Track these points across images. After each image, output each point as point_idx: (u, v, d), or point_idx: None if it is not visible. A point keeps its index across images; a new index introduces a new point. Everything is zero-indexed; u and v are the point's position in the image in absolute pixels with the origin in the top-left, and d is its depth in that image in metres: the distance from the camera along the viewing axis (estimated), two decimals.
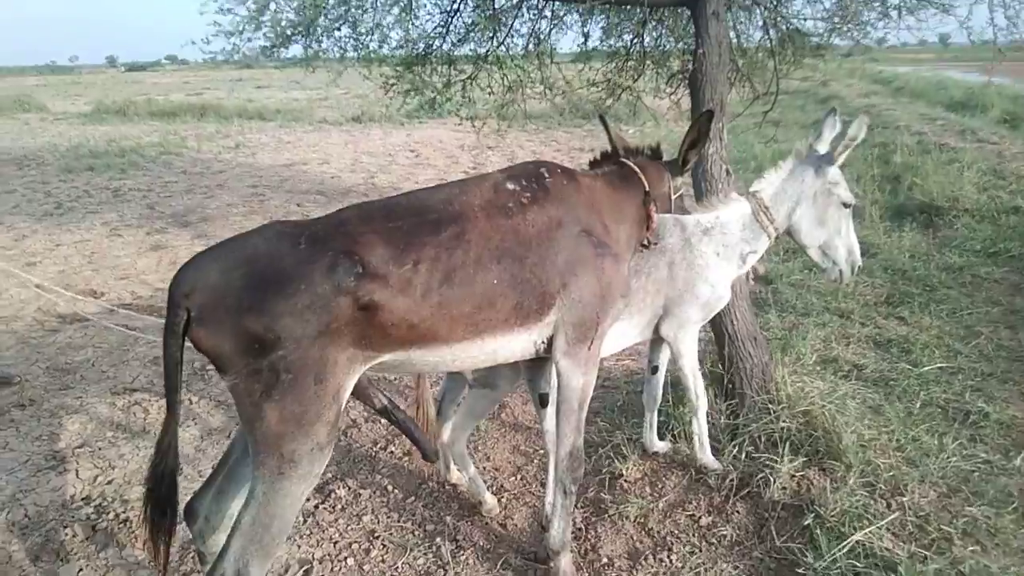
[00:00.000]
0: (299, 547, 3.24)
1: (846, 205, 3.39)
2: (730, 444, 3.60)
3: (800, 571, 2.91)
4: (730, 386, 3.86)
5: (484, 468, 3.82)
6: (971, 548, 2.89)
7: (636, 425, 3.94)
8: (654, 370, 3.74)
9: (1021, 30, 4.52)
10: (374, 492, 3.63)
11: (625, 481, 3.55)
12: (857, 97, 20.16)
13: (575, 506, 3.02)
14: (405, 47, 5.74)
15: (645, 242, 2.91)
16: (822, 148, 3.38)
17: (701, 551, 3.11)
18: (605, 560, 3.09)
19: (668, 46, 6.67)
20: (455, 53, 5.90)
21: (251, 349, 2.08)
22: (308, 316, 2.10)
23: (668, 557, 3.09)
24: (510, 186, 2.54)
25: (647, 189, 2.84)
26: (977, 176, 8.53)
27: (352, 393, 2.36)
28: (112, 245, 8.29)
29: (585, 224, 2.59)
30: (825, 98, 20.25)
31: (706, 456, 3.59)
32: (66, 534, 3.27)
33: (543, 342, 2.62)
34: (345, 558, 3.17)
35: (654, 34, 6.51)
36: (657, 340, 3.57)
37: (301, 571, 3.09)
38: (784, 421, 3.56)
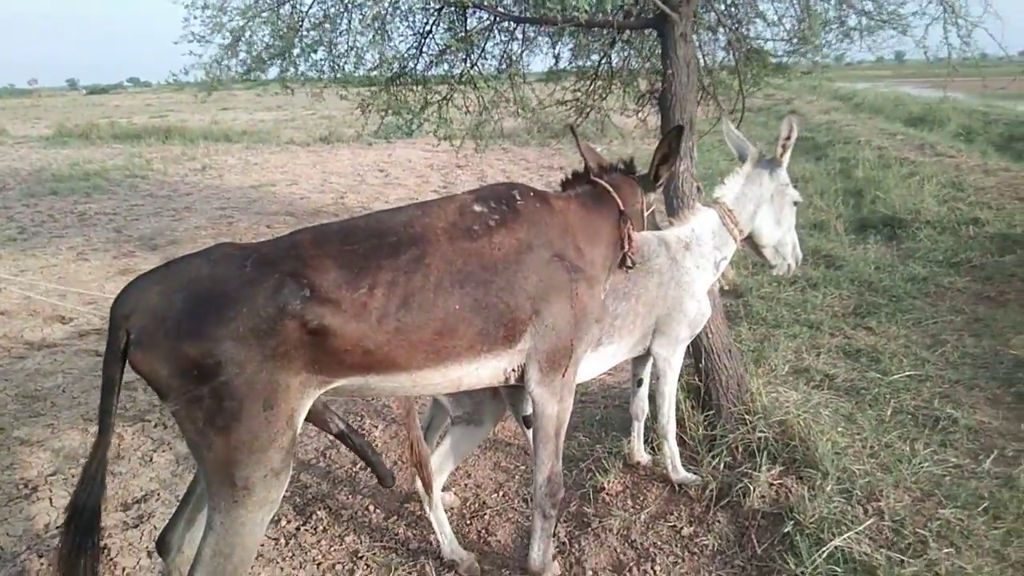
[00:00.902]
0: (282, 569, 3.22)
1: (796, 204, 3.60)
2: (708, 455, 3.65)
3: None
4: (707, 398, 3.92)
5: (465, 485, 3.83)
6: (946, 550, 2.96)
7: (616, 439, 3.98)
8: (639, 383, 3.79)
9: (973, 48, 4.69)
10: (355, 512, 3.62)
11: (607, 494, 3.58)
12: (818, 113, 20.62)
13: (557, 524, 3.06)
14: (380, 68, 5.79)
15: (629, 263, 2.87)
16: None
17: (684, 561, 3.15)
18: (590, 573, 3.10)
19: (635, 66, 6.81)
20: (429, 74, 5.95)
21: (190, 375, 2.01)
22: (251, 341, 2.04)
23: (652, 568, 3.12)
24: (477, 208, 2.47)
25: (622, 208, 2.81)
26: (937, 189, 8.80)
27: (306, 417, 2.30)
28: (79, 269, 8.18)
29: (557, 248, 2.52)
30: (787, 115, 20.67)
31: (680, 475, 3.62)
32: (41, 563, 3.22)
33: (514, 370, 2.56)
34: None
35: (622, 54, 6.64)
36: (642, 354, 3.61)
37: None
38: (761, 431, 3.62)
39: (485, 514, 3.58)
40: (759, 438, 3.60)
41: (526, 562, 2.93)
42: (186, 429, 2.09)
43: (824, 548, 2.95)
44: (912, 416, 4.18)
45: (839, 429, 3.77)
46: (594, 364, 3.28)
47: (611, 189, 2.82)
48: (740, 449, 3.63)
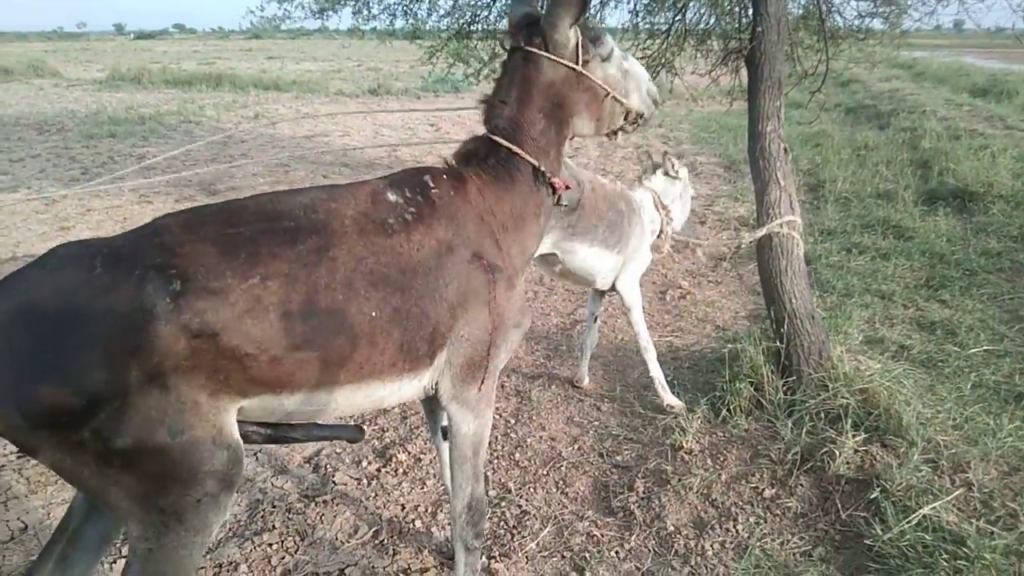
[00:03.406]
0: (366, 508, 3.29)
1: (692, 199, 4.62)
2: (788, 420, 3.63)
3: (867, 543, 2.94)
4: (787, 363, 3.88)
5: (540, 438, 3.85)
6: None
7: (691, 401, 3.97)
8: (595, 319, 4.41)
9: None
10: (434, 458, 3.66)
11: (685, 453, 3.59)
12: (878, 82, 20.02)
13: (482, 555, 2.78)
14: (452, 16, 5.73)
15: (557, 201, 2.48)
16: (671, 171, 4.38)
17: (766, 522, 3.16)
18: (672, 529, 3.13)
19: (709, 24, 6.66)
20: (500, 24, 5.88)
21: (59, 422, 1.60)
22: (125, 361, 1.63)
23: (734, 527, 3.13)
24: (391, 197, 2.11)
25: (537, 165, 2.34)
26: (1010, 163, 8.51)
27: None
28: (144, 212, 8.30)
29: (475, 246, 2.18)
30: (846, 82, 20.14)
31: (668, 396, 4.07)
32: None
33: (432, 386, 2.25)
34: (412, 520, 3.22)
35: (699, 11, 6.49)
36: (597, 294, 4.30)
37: (371, 532, 3.14)
38: (843, 398, 3.58)
39: (561, 466, 3.61)
40: (842, 405, 3.56)
41: None
42: (76, 479, 1.72)
43: (912, 516, 2.92)
44: (993, 391, 4.11)
45: (922, 399, 3.71)
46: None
47: (520, 151, 2.31)
48: (822, 415, 3.59)
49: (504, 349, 2.34)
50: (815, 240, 6.90)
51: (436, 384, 2.24)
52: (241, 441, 1.86)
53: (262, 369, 1.81)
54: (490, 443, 3.74)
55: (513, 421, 4.03)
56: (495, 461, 3.66)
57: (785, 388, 3.81)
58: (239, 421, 1.90)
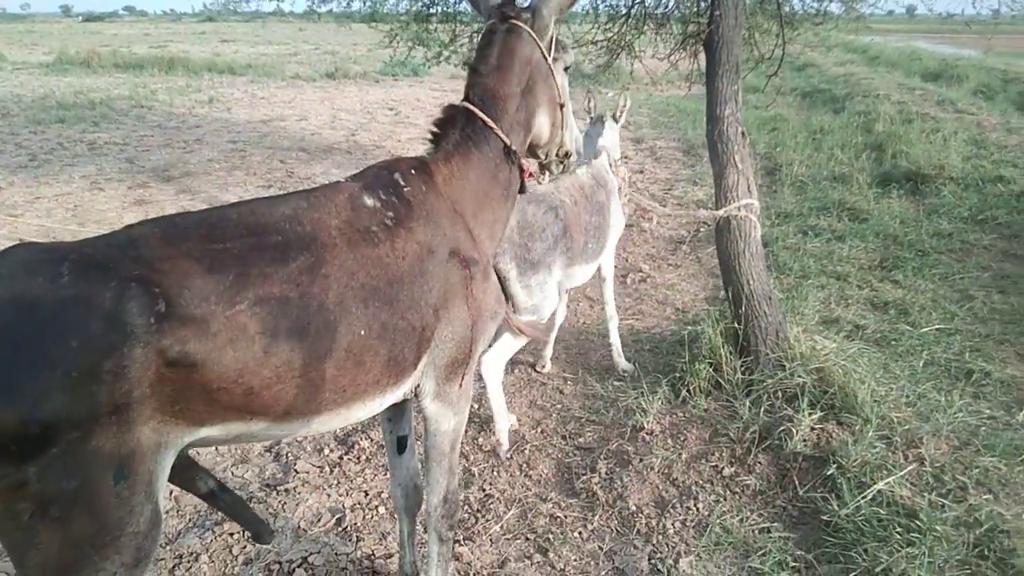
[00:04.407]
0: (328, 496, 3.27)
1: None
2: (747, 399, 3.69)
3: (824, 518, 3.01)
4: (745, 344, 3.93)
5: None
6: (985, 496, 3.01)
7: (653, 383, 4.01)
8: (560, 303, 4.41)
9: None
10: None
11: (647, 434, 3.62)
12: (834, 66, 20.32)
13: (455, 547, 2.81)
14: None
15: (521, 188, 2.44)
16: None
17: (726, 499, 3.21)
18: (633, 508, 3.16)
19: (669, 7, 6.68)
20: (459, 7, 5.83)
21: (5, 454, 1.36)
22: (90, 387, 1.40)
23: (694, 505, 3.17)
24: (369, 201, 1.97)
25: (508, 144, 2.27)
26: (960, 145, 8.73)
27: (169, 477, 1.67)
28: (95, 199, 8.09)
29: (452, 241, 2.08)
30: (801, 66, 20.40)
31: (622, 361, 4.38)
32: None
33: (413, 390, 2.17)
34: (376, 506, 3.21)
35: None
36: None
37: (334, 519, 3.12)
38: (799, 377, 3.65)
39: (525, 449, 3.62)
40: (798, 384, 3.63)
41: None
42: (2, 529, 1.45)
43: (867, 491, 2.99)
44: (944, 368, 4.22)
45: (876, 377, 3.80)
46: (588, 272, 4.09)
47: (489, 122, 2.24)
48: (779, 394, 3.65)
49: (483, 341, 2.28)
50: (772, 223, 7.00)
51: (418, 387, 2.15)
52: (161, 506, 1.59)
53: (232, 400, 1.63)
54: None
55: (476, 406, 4.02)
56: (460, 444, 3.65)
57: (743, 368, 3.86)
58: (191, 461, 1.74)
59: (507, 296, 3.47)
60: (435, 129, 2.28)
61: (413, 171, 2.13)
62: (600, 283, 4.38)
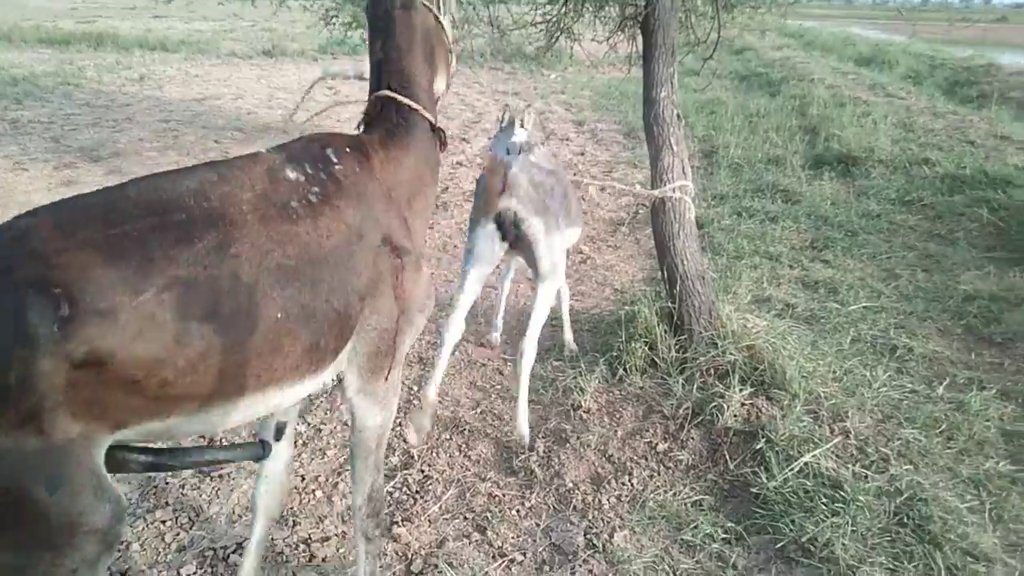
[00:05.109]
0: None
1: None
2: (681, 376, 3.76)
3: (753, 491, 3.11)
4: (679, 322, 4.01)
5: (443, 403, 3.87)
6: (906, 467, 3.14)
7: (591, 362, 4.05)
8: (508, 282, 4.62)
9: None
10: (334, 428, 3.63)
11: (584, 412, 3.68)
12: (771, 50, 20.67)
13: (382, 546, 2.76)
14: None
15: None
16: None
17: (659, 475, 3.28)
18: (570, 485, 3.21)
19: None
20: None
21: None
22: None
23: (629, 480, 3.24)
24: (291, 174, 1.87)
25: (434, 122, 2.28)
26: (889, 129, 9.00)
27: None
28: (18, 180, 7.76)
29: (384, 227, 2.01)
30: (740, 50, 20.71)
31: (570, 336, 4.48)
32: None
33: (334, 379, 2.09)
34: (313, 490, 3.18)
35: None
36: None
37: None
38: (731, 354, 3.74)
39: (464, 430, 3.64)
40: (730, 361, 3.72)
41: None
42: None
43: (794, 464, 3.10)
44: (870, 344, 4.38)
45: (804, 354, 3.91)
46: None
47: (417, 107, 2.22)
48: (712, 371, 3.74)
49: (410, 335, 2.21)
50: (708, 205, 7.13)
51: (341, 378, 2.09)
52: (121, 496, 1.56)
53: (148, 395, 1.55)
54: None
55: (416, 388, 4.02)
56: (398, 428, 3.65)
57: (677, 346, 3.94)
58: (116, 447, 1.63)
59: (532, 260, 3.44)
60: (366, 119, 2.24)
61: (348, 148, 2.05)
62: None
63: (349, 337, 1.97)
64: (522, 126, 4.46)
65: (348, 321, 1.92)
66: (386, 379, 2.15)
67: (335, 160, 1.99)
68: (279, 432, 2.38)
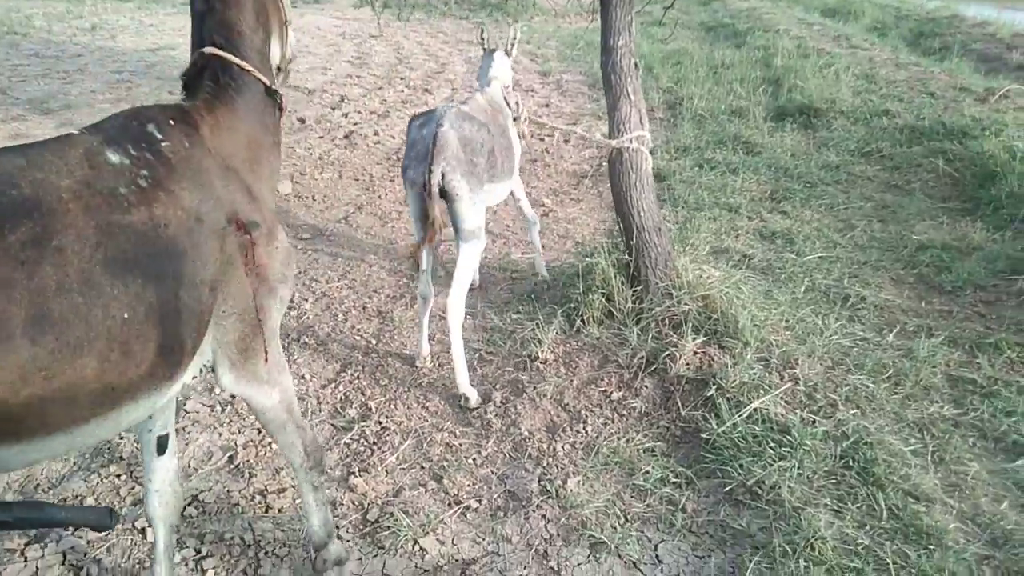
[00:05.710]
0: (220, 435, 3.23)
1: None
2: (636, 326, 3.81)
3: (703, 436, 3.18)
4: (636, 274, 4.03)
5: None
6: (852, 412, 3.24)
7: (549, 314, 4.08)
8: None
9: None
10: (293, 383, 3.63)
11: (540, 363, 3.71)
12: (738, 0, 20.51)
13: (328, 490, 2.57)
14: None
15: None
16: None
17: (613, 422, 3.34)
18: (526, 434, 3.26)
19: None
20: None
21: None
22: None
23: (584, 428, 3.30)
24: (114, 158, 1.66)
25: (269, 84, 2.13)
26: (851, 80, 9.03)
27: None
28: None
29: (227, 204, 1.84)
30: (706, 0, 20.53)
31: (542, 266, 4.74)
32: None
33: (202, 369, 1.94)
34: (269, 443, 3.19)
35: None
36: None
37: (225, 457, 3.10)
38: (685, 304, 3.78)
39: (422, 382, 3.66)
40: (684, 311, 3.76)
41: (310, 538, 2.47)
42: None
43: (744, 410, 3.17)
44: (824, 294, 4.45)
45: (757, 303, 3.97)
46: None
47: (250, 67, 2.06)
48: (666, 321, 3.79)
49: (277, 309, 2.06)
50: (670, 156, 7.13)
51: (213, 373, 1.97)
52: None
53: None
54: (353, 363, 3.74)
55: (375, 342, 4.03)
56: (356, 381, 3.66)
57: (634, 297, 3.97)
58: None
59: (455, 220, 3.40)
60: (186, 80, 2.05)
61: (172, 122, 1.84)
62: (516, 203, 4.61)
63: (206, 330, 1.83)
64: (506, 53, 4.46)
65: (203, 315, 1.77)
66: (266, 360, 2.02)
67: (160, 137, 1.79)
68: (161, 448, 2.24)
